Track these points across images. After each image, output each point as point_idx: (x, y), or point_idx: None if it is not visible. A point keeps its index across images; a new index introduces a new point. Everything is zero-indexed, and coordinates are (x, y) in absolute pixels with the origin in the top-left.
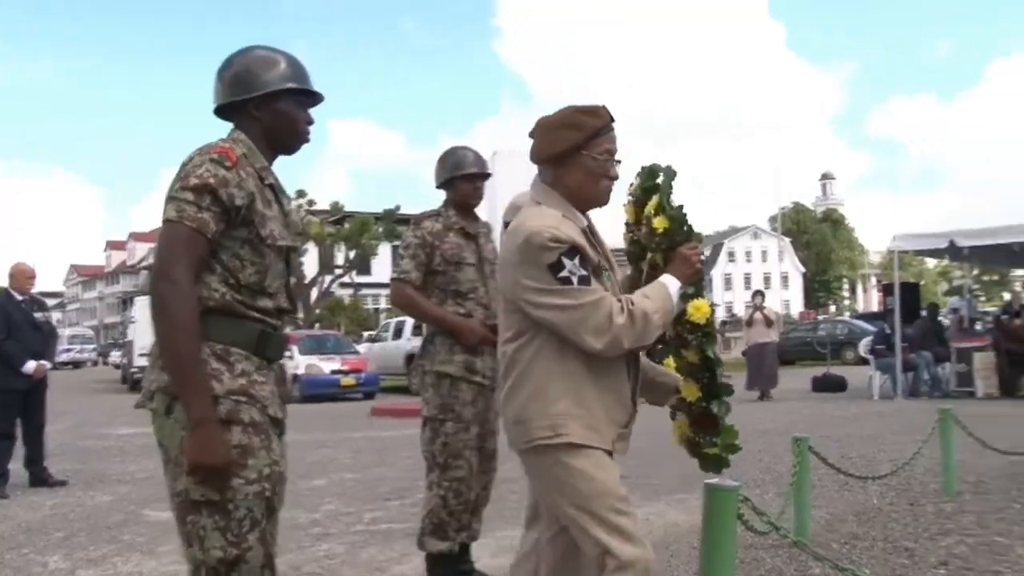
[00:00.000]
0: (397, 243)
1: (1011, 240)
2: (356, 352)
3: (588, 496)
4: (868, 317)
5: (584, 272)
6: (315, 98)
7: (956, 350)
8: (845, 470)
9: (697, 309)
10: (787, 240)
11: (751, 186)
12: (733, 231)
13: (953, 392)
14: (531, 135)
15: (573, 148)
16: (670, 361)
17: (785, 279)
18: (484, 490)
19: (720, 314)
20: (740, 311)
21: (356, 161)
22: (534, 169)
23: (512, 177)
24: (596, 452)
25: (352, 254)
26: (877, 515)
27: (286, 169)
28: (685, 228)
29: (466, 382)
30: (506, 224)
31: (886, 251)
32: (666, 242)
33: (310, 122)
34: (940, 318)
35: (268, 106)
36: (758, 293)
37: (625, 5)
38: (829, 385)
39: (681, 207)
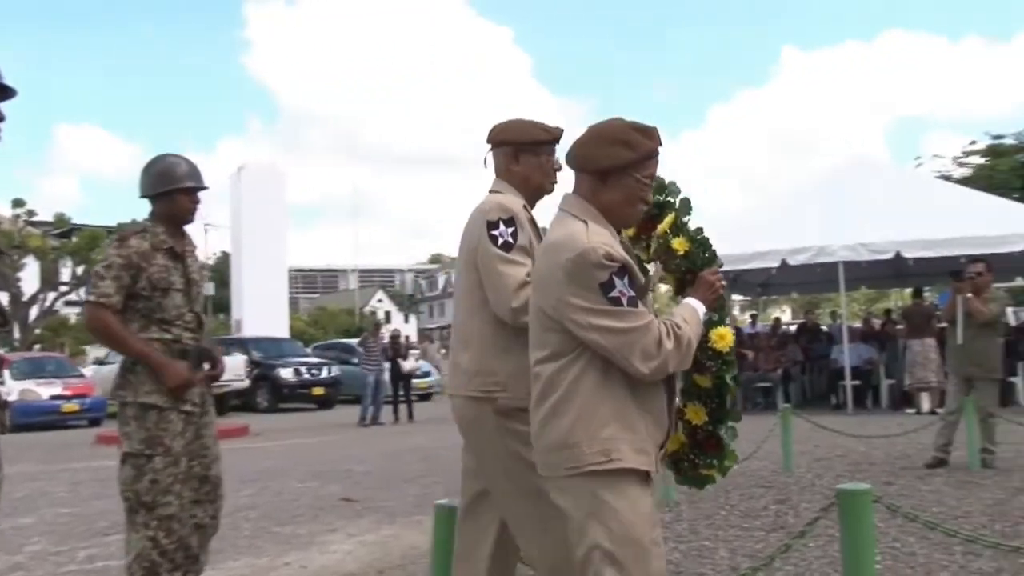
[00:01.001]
0: None
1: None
2: (81, 376)
3: (617, 539)
4: None
5: (633, 293)
6: (5, 93)
7: None
8: None
9: (721, 337)
10: None
11: None
12: None
13: None
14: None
15: (623, 166)
16: None
17: None
18: (213, 519)
19: None
20: None
21: (89, 171)
22: (280, 185)
23: (258, 193)
24: (636, 488)
25: (80, 270)
26: None
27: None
28: (707, 253)
29: (176, 412)
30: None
31: None
32: (686, 264)
33: (0, 118)
34: None
35: None
36: None
37: (376, 27)
38: None
39: (700, 230)
